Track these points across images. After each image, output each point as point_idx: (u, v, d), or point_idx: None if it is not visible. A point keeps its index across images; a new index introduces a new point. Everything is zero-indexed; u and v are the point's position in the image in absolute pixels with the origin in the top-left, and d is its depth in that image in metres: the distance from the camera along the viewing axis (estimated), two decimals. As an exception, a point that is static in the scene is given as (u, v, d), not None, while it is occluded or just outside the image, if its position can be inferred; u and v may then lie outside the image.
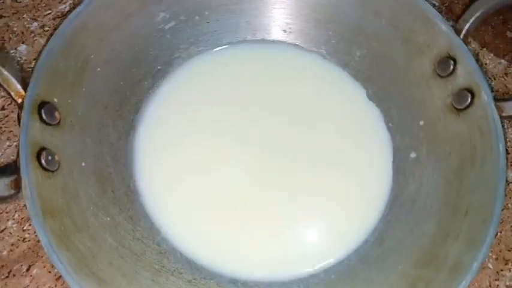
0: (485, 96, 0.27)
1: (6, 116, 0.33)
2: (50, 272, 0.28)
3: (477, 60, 0.29)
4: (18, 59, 0.34)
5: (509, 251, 0.31)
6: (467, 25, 0.29)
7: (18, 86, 0.24)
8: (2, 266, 0.28)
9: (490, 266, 0.30)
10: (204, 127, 0.32)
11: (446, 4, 0.39)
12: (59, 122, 0.26)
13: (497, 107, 0.27)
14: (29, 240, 0.29)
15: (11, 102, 0.32)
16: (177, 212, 0.29)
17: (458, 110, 0.29)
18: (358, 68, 0.35)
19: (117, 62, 0.31)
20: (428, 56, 0.31)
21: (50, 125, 0.25)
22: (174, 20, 0.33)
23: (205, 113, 0.32)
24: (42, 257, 0.28)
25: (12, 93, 0.24)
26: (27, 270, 0.28)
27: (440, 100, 0.30)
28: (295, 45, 0.35)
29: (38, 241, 0.27)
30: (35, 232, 0.28)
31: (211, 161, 0.31)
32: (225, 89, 0.33)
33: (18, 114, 0.24)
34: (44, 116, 0.24)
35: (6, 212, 0.29)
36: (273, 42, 0.35)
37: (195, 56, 0.35)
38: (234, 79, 0.34)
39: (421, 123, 0.31)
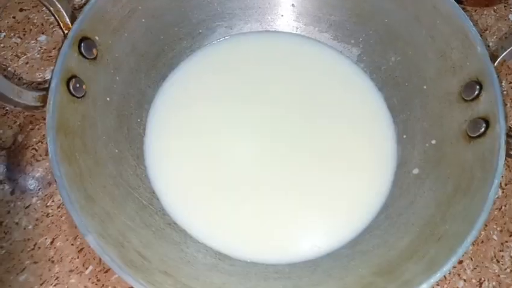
0: (498, 129, 0.26)
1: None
2: (72, 244, 0.31)
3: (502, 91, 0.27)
4: (39, 48, 0.38)
5: (513, 223, 0.32)
6: (504, 53, 0.28)
7: (67, 19, 0.28)
8: (28, 240, 0.31)
9: (495, 237, 0.32)
10: (222, 101, 0.34)
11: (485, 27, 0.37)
12: (95, 58, 0.29)
13: (508, 143, 0.26)
14: (52, 216, 0.32)
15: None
16: (175, 181, 0.31)
17: (470, 138, 0.28)
18: (390, 72, 0.34)
19: (162, 17, 0.34)
20: (459, 76, 0.30)
21: (86, 58, 0.29)
22: (223, -11, 0.35)
23: (228, 88, 0.34)
24: (65, 230, 0.32)
25: (61, 24, 0.28)
26: (51, 243, 0.31)
27: (457, 123, 0.29)
28: (328, 45, 0.36)
29: (61, 216, 0.32)
30: (57, 208, 0.32)
31: (222, 138, 0.33)
32: (250, 71, 0.35)
33: (62, 42, 0.27)
34: (82, 49, 0.28)
35: (31, 190, 0.33)
36: (312, 39, 0.36)
37: (235, 27, 0.36)
38: (261, 62, 0.35)
39: (433, 142, 0.31)
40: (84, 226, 0.23)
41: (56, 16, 0.27)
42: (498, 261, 0.32)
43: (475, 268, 0.32)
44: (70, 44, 0.27)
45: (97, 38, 0.29)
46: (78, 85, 0.28)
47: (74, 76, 0.28)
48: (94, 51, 0.29)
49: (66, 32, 0.28)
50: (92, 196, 0.26)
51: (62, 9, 0.27)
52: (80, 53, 0.28)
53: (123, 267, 0.22)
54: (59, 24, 0.28)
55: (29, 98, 0.25)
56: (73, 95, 0.27)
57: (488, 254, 0.32)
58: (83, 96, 0.28)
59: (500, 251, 0.32)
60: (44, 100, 0.26)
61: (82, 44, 0.28)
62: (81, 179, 0.26)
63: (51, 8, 0.27)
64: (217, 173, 0.32)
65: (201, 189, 0.31)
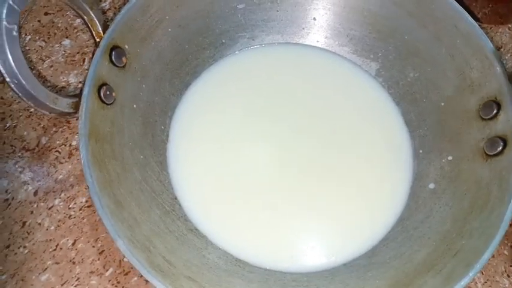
0: (516, 149, 0.27)
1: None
2: (93, 246, 0.32)
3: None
4: (63, 52, 0.39)
5: (524, 239, 0.33)
6: (524, 74, 0.28)
7: (100, 28, 0.29)
8: (50, 240, 0.32)
9: (506, 252, 0.33)
10: (243, 110, 0.35)
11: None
12: (124, 66, 0.30)
13: (525, 163, 0.27)
14: (74, 217, 0.33)
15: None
16: (196, 187, 0.32)
17: (487, 156, 0.29)
18: (408, 88, 0.35)
19: (187, 27, 0.34)
20: (477, 95, 0.30)
21: (116, 66, 0.29)
22: (247, 1, 0.36)
23: (249, 98, 0.35)
24: (86, 232, 0.32)
25: (94, 33, 0.29)
26: (73, 244, 0.32)
27: (474, 141, 0.30)
28: (348, 59, 0.37)
29: (83, 218, 0.33)
30: (79, 209, 0.33)
31: (242, 146, 0.34)
32: (271, 81, 0.36)
33: (93, 51, 0.28)
34: (113, 57, 0.29)
35: (54, 191, 0.33)
36: (330, 52, 0.37)
37: (257, 38, 0.37)
38: (281, 74, 0.36)
39: (450, 158, 0.32)
40: (114, 231, 0.24)
41: (89, 25, 0.28)
42: (509, 276, 0.32)
43: (485, 282, 0.32)
44: (102, 52, 0.28)
45: (126, 46, 0.30)
46: (108, 92, 0.29)
47: (104, 84, 0.28)
48: (124, 59, 0.30)
49: (98, 40, 0.29)
50: (121, 201, 0.26)
51: (95, 18, 0.28)
52: (111, 61, 0.29)
53: (151, 271, 0.23)
54: (91, 33, 0.29)
55: (64, 104, 0.26)
56: (103, 102, 0.28)
57: (499, 268, 0.33)
58: (112, 103, 0.29)
59: (511, 266, 0.33)
60: (76, 107, 0.27)
61: (113, 53, 0.29)
62: (110, 185, 0.26)
63: (85, 17, 0.28)
64: (237, 180, 0.32)
65: (221, 196, 0.32)
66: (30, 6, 0.41)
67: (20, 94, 0.23)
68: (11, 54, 0.22)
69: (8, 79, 0.22)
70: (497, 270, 0.33)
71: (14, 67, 0.22)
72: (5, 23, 0.22)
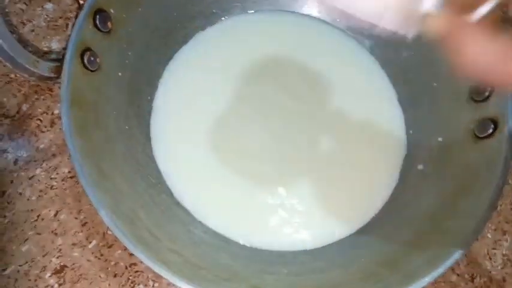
0: (506, 131, 0.27)
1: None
2: (76, 218, 0.31)
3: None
4: (45, 16, 0.37)
5: (507, 223, 0.34)
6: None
7: (84, -10, 0.27)
8: (32, 211, 0.31)
9: (489, 235, 0.33)
10: (231, 81, 0.34)
11: None
12: (109, 31, 0.29)
13: (515, 146, 0.26)
14: (56, 188, 0.32)
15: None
16: (181, 161, 0.31)
17: (477, 138, 0.29)
18: (401, 67, 0.35)
19: (177, -7, 0.33)
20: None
21: (100, 31, 0.28)
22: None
23: (238, 68, 0.34)
24: (69, 204, 0.31)
25: (77, -6, 0.27)
26: (55, 215, 0.31)
27: (464, 123, 0.30)
28: (344, 31, 0.35)
29: (65, 189, 0.31)
30: (62, 180, 0.32)
31: (230, 120, 0.33)
32: (261, 50, 0.35)
33: (76, 14, 0.27)
34: (97, 21, 0.27)
35: (35, 161, 0.32)
36: (324, 22, 0.36)
37: (249, 9, 0.36)
38: (273, 42, 0.35)
39: (440, 139, 0.31)
40: (97, 201, 0.23)
41: (73, -14, 0.27)
42: (490, 259, 0.33)
43: (468, 264, 0.33)
44: (86, 15, 0.27)
45: (112, 11, 0.29)
46: (92, 58, 0.27)
47: (88, 49, 0.27)
48: (109, 24, 0.29)
49: (82, 2, 0.27)
50: (104, 171, 0.26)
51: (78, -21, 0.27)
52: (95, 25, 0.28)
53: (135, 244, 0.23)
54: (75, -6, 0.27)
55: (44, 68, 0.24)
56: (87, 68, 0.27)
57: (482, 251, 0.33)
58: (96, 70, 0.28)
59: (493, 249, 0.33)
60: (58, 71, 0.25)
61: (97, 16, 0.28)
62: (93, 154, 0.25)
63: (68, -24, 0.27)
64: (224, 156, 0.32)
65: (206, 171, 0.31)
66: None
67: (-3, 55, 0.22)
68: (-13, 12, 0.21)
69: (-17, 38, 0.21)
70: (479, 252, 0.33)
71: (-9, 26, 0.21)
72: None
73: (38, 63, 0.24)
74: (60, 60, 0.25)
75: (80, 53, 0.26)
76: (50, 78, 0.25)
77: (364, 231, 0.30)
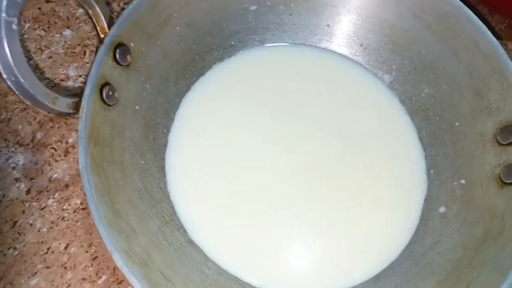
0: (534, 178, 0.26)
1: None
2: (86, 251, 0.30)
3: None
4: (63, 43, 0.37)
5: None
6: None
7: (105, 23, 0.27)
8: (42, 243, 0.30)
9: None
10: (248, 114, 0.33)
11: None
12: (128, 65, 0.29)
13: (543, 194, 0.25)
14: (67, 220, 0.31)
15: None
16: (195, 197, 0.30)
17: (503, 183, 0.28)
18: (421, 104, 0.34)
19: (196, 26, 0.33)
20: (495, 119, 0.29)
21: (120, 65, 0.28)
22: (260, 3, 0.34)
23: (255, 101, 0.34)
24: (80, 236, 0.30)
25: (98, 28, 0.27)
26: (65, 248, 0.30)
27: (489, 166, 0.29)
28: (363, 65, 0.35)
29: (77, 221, 0.31)
30: (74, 211, 0.31)
31: (245, 154, 0.32)
32: (278, 83, 0.34)
33: (97, 47, 0.27)
34: (117, 55, 0.27)
35: (47, 191, 0.32)
36: (343, 56, 0.36)
37: (267, 42, 0.36)
38: (289, 75, 0.35)
39: (462, 181, 0.30)
40: (111, 243, 0.22)
41: (94, 19, 0.27)
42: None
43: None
44: (106, 49, 0.27)
45: (132, 44, 0.29)
46: (110, 93, 0.27)
47: (107, 83, 0.27)
48: (128, 57, 0.28)
49: (102, 36, 0.27)
50: (119, 210, 0.25)
51: (100, 13, 0.27)
52: (115, 59, 0.27)
53: (148, 289, 0.22)
54: (95, 28, 0.27)
55: (63, 104, 0.24)
56: (105, 103, 0.27)
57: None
58: (114, 104, 0.27)
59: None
60: (77, 107, 0.25)
61: (117, 50, 0.27)
62: (108, 192, 0.25)
63: (90, 11, 0.27)
64: (240, 193, 0.31)
65: (220, 209, 0.30)
66: (32, -4, 0.39)
67: (17, 92, 0.21)
68: (9, 50, 0.20)
69: (5, 76, 0.21)
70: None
71: (12, 64, 0.21)
72: (4, 15, 0.20)
73: (57, 99, 0.23)
74: (78, 94, 0.25)
75: (99, 88, 0.26)
76: (68, 114, 0.25)
77: (382, 277, 0.29)
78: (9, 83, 0.21)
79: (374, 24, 0.34)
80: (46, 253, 0.31)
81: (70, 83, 0.36)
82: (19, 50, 0.21)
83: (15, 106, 0.35)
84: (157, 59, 0.31)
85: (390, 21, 0.33)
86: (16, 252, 0.31)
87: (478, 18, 0.29)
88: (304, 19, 0.35)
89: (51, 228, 0.31)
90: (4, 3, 0.20)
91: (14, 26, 0.20)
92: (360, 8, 0.34)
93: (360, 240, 0.30)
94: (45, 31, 0.38)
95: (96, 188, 0.24)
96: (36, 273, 0.30)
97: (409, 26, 0.33)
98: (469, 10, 0.30)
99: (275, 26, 0.36)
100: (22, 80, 0.21)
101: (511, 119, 0.28)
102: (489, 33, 0.29)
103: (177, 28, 0.32)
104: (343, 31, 0.35)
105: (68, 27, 0.39)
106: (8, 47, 0.20)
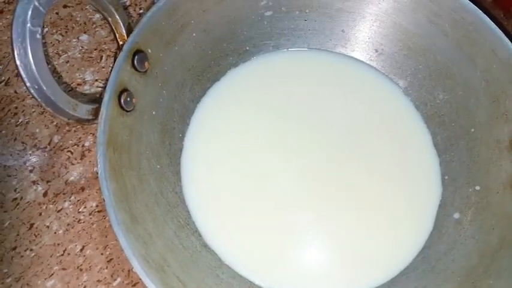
0: (553, 187, 0.26)
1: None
2: (102, 254, 0.31)
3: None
4: (80, 47, 0.38)
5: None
6: None
7: (124, 31, 0.27)
8: (58, 245, 0.31)
9: None
10: (263, 119, 0.33)
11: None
12: (146, 71, 0.29)
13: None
14: (83, 222, 0.31)
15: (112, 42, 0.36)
16: (210, 201, 0.31)
17: (520, 190, 0.28)
18: (436, 110, 0.34)
19: (212, 32, 0.33)
20: (511, 125, 0.29)
21: (138, 71, 0.28)
22: (275, 9, 0.34)
23: (269, 104, 0.34)
24: (95, 239, 0.31)
25: (117, 35, 0.27)
26: (81, 250, 0.31)
27: (505, 173, 0.29)
28: (378, 71, 0.35)
29: (92, 224, 0.31)
30: (89, 214, 0.32)
31: (260, 159, 0.32)
32: (294, 88, 0.34)
33: (115, 53, 0.27)
34: (135, 62, 0.28)
35: (64, 193, 0.32)
36: (358, 61, 0.36)
37: (282, 47, 0.36)
38: (305, 80, 0.35)
39: (477, 188, 0.30)
40: (130, 250, 0.23)
41: (113, 26, 0.27)
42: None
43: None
44: (125, 56, 0.27)
45: (150, 51, 0.29)
46: (129, 99, 0.27)
47: (125, 89, 0.27)
48: (146, 64, 0.29)
49: (121, 43, 0.28)
50: (136, 216, 0.25)
51: (119, 20, 0.27)
52: (133, 66, 0.28)
53: (166, 294, 0.22)
54: (114, 35, 0.27)
55: (83, 111, 0.25)
56: (123, 109, 0.27)
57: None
58: (131, 110, 0.28)
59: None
60: (96, 113, 0.25)
61: (136, 57, 0.28)
62: (126, 198, 0.25)
63: (109, 19, 0.27)
64: (255, 197, 0.31)
65: (235, 212, 0.31)
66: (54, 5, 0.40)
67: (39, 100, 0.22)
68: (33, 59, 0.21)
69: (28, 84, 0.21)
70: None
71: (36, 72, 0.21)
72: (29, 25, 0.20)
73: (77, 106, 0.24)
74: (97, 100, 0.26)
75: (118, 94, 0.26)
76: (87, 120, 0.25)
77: (396, 282, 0.29)
78: (32, 91, 0.21)
79: (389, 30, 0.34)
80: (62, 255, 0.31)
81: (87, 87, 0.37)
82: (42, 58, 0.21)
83: (33, 110, 0.36)
84: (174, 65, 0.31)
85: (405, 27, 0.33)
86: (33, 254, 0.31)
87: (495, 25, 0.29)
88: (319, 24, 0.35)
89: (67, 230, 0.32)
90: (29, 13, 0.20)
91: (38, 36, 0.21)
92: (375, 14, 0.34)
93: (373, 244, 0.30)
94: (63, 36, 0.39)
95: (114, 194, 0.24)
96: (52, 274, 0.31)
97: (424, 31, 0.32)
98: (486, 17, 0.29)
99: (290, 31, 0.36)
100: (45, 88, 0.21)
101: (528, 127, 0.28)
102: (507, 40, 0.29)
103: (194, 34, 0.32)
104: (358, 36, 0.35)
105: (85, 32, 0.39)
106: (32, 57, 0.21)
